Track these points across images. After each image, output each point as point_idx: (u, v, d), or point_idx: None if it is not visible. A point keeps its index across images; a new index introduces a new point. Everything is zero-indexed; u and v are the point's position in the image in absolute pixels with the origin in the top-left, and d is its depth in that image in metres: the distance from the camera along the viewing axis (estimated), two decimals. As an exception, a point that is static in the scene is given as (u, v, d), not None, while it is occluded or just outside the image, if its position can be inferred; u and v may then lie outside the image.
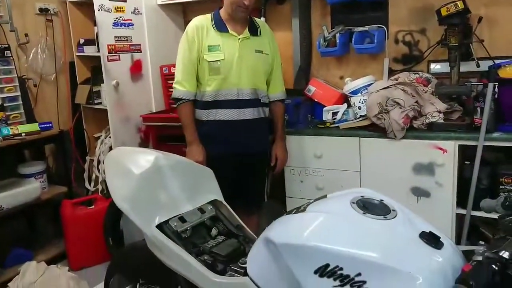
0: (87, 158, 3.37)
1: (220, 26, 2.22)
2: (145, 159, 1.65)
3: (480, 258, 0.96)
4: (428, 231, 1.07)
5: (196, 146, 2.26)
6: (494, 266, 0.81)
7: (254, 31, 2.28)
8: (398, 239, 1.06)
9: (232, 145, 2.25)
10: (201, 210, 1.65)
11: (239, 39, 2.22)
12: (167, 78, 3.12)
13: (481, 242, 2.34)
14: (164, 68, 3.12)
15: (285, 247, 1.13)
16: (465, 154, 2.29)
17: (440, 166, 2.27)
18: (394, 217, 1.11)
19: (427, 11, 2.59)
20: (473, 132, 2.19)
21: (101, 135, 3.31)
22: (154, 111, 3.15)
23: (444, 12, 2.25)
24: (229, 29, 2.22)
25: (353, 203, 1.15)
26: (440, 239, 1.05)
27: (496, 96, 2.14)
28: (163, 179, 1.61)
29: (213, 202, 1.70)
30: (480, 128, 2.15)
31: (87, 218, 2.90)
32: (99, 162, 3.26)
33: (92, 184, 3.32)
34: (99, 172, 3.27)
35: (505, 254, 0.83)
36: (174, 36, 3.27)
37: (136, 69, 3.02)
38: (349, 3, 2.70)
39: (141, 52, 3.05)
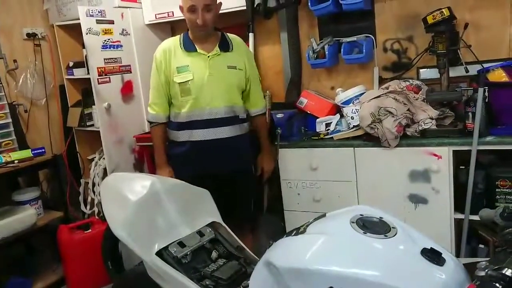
0: (82, 181, 3.35)
1: (188, 46, 2.24)
2: (141, 184, 1.64)
3: (483, 273, 0.96)
4: (429, 248, 1.06)
5: (164, 169, 2.30)
6: (498, 284, 0.81)
7: (226, 47, 2.28)
8: (400, 257, 1.06)
9: (209, 165, 2.24)
10: (200, 233, 1.64)
11: (208, 57, 2.22)
12: (158, 97, 3.10)
13: (481, 246, 2.35)
14: (155, 87, 3.11)
15: (287, 270, 1.12)
16: (459, 158, 2.30)
17: (435, 172, 2.27)
18: (394, 235, 1.11)
19: (413, 19, 2.62)
20: (466, 137, 2.21)
21: (95, 157, 3.29)
22: (147, 130, 3.13)
23: (430, 20, 2.27)
24: (197, 48, 2.22)
25: (353, 222, 1.15)
26: (442, 255, 1.05)
27: (486, 100, 2.16)
28: (160, 204, 1.60)
29: (212, 224, 1.70)
30: (472, 133, 2.16)
31: (84, 242, 2.87)
32: (94, 184, 3.24)
33: (88, 206, 3.29)
34: (94, 194, 3.25)
35: (508, 272, 0.83)
36: (164, 55, 3.29)
37: (127, 90, 3.02)
38: (336, 14, 2.72)
39: (131, 72, 3.04)
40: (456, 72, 2.45)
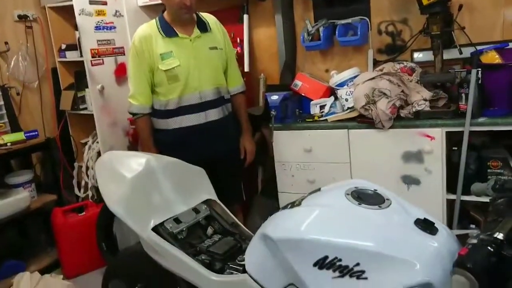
0: (75, 164, 3.33)
1: (168, 31, 2.16)
2: (137, 162, 1.64)
3: (475, 241, 0.98)
4: (422, 218, 1.08)
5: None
6: (489, 247, 0.83)
7: (204, 28, 2.23)
8: (394, 227, 1.07)
9: (201, 149, 2.21)
10: (195, 210, 1.65)
11: (190, 40, 2.17)
12: (152, 79, 3.09)
13: (472, 226, 2.38)
14: (149, 70, 3.09)
15: (283, 242, 1.14)
16: (452, 140, 2.32)
17: (428, 153, 2.30)
18: (388, 206, 1.13)
19: (407, 1, 2.61)
20: (459, 118, 2.22)
21: (88, 141, 3.27)
22: (141, 113, 3.12)
23: (425, 1, 2.26)
24: (178, 33, 2.16)
25: (348, 194, 1.17)
26: (435, 225, 1.07)
27: (479, 81, 2.17)
28: (156, 181, 1.61)
29: (207, 202, 1.71)
30: (465, 114, 2.18)
31: (79, 225, 2.87)
32: (87, 168, 3.23)
33: (82, 190, 3.29)
34: (88, 178, 3.24)
35: (499, 236, 0.85)
36: (157, 37, 3.27)
37: (121, 72, 3.00)
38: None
39: (124, 54, 3.02)
40: (450, 54, 2.46)
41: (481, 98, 2.20)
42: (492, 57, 2.28)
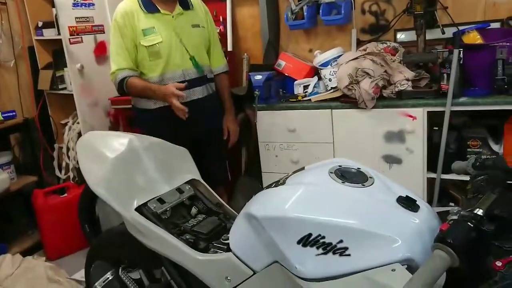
0: (56, 145, 3.28)
1: (149, 7, 2.11)
2: (119, 142, 1.62)
3: (455, 217, 1.00)
4: (404, 196, 1.10)
5: (164, 87, 2.05)
6: (469, 223, 0.84)
7: (186, 5, 2.20)
8: (377, 205, 1.08)
9: (185, 128, 2.15)
10: (179, 190, 1.63)
11: (172, 16, 2.13)
12: (133, 58, 3.03)
13: (451, 204, 2.44)
14: (130, 49, 3.03)
15: (267, 220, 1.14)
16: (433, 120, 2.35)
17: (410, 133, 2.32)
18: (371, 184, 1.14)
19: (392, -20, 2.61)
20: (440, 98, 2.25)
21: (69, 121, 3.21)
22: (122, 93, 3.07)
23: (408, -20, 2.26)
24: (160, 9, 2.11)
25: (331, 172, 1.17)
26: (416, 202, 1.09)
27: (461, 62, 2.19)
28: (138, 161, 1.59)
29: (191, 182, 1.70)
30: (447, 94, 2.20)
31: (60, 207, 2.85)
32: (68, 149, 3.18)
33: (63, 172, 3.25)
34: (69, 159, 3.20)
35: (479, 212, 0.87)
36: (138, 15, 3.19)
37: (100, 51, 2.93)
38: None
39: (104, 33, 2.95)
40: (432, 34, 2.47)
41: (462, 78, 2.23)
42: (474, 38, 2.30)
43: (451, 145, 2.32)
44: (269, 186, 1.28)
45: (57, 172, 3.26)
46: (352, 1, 2.70)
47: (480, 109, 2.20)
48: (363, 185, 1.13)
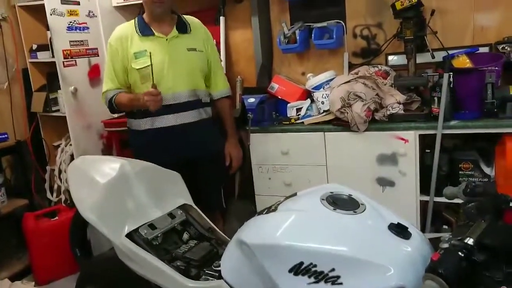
0: (47, 168, 3.25)
1: (144, 30, 2.14)
2: (110, 167, 1.61)
3: (446, 245, 1.00)
4: (396, 223, 1.10)
5: (141, 94, 2.06)
6: (460, 253, 0.84)
7: (184, 29, 2.19)
8: (368, 232, 1.08)
9: (175, 151, 2.15)
10: (171, 215, 1.63)
11: (166, 39, 2.13)
12: (127, 81, 3.05)
13: (445, 227, 2.44)
14: (123, 72, 3.04)
15: (258, 247, 1.13)
16: (425, 142, 2.36)
17: (402, 155, 2.33)
18: (363, 211, 1.14)
19: (382, 5, 2.66)
20: (432, 121, 2.27)
21: (61, 143, 3.20)
22: (116, 116, 3.07)
23: (398, 6, 2.31)
24: (154, 32, 2.13)
25: (323, 199, 1.17)
26: (408, 229, 1.09)
27: (451, 85, 2.22)
28: (130, 186, 1.58)
29: (183, 207, 1.69)
30: (438, 117, 2.22)
31: (51, 230, 2.81)
32: (60, 171, 3.16)
33: (55, 194, 3.21)
34: (61, 181, 3.17)
35: (470, 241, 0.87)
36: (132, 38, 3.22)
37: (94, 73, 2.94)
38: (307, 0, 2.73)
39: (98, 56, 2.96)
40: (423, 58, 2.51)
41: (453, 101, 2.25)
42: (463, 62, 2.34)
43: (443, 167, 2.33)
44: (261, 212, 1.28)
45: (48, 195, 3.22)
46: (344, 26, 2.75)
47: (470, 132, 2.23)
48: (355, 212, 1.13)
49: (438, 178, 2.30)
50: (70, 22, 2.75)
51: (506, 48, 2.36)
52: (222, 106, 2.38)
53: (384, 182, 2.41)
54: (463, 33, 2.55)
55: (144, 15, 2.19)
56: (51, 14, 2.64)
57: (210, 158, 2.31)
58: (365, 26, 2.77)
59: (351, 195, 1.21)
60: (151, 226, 1.54)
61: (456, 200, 2.17)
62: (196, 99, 2.22)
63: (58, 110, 3.10)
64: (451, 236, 1.01)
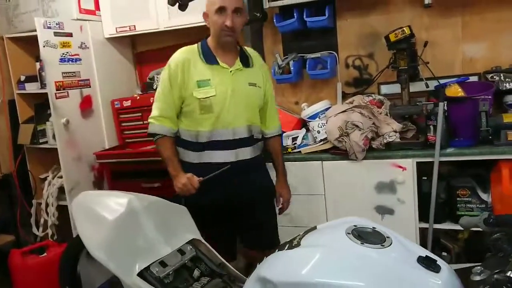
0: (34, 201, 3.14)
1: (209, 57, 1.98)
2: (117, 202, 1.57)
3: (478, 277, 1.00)
4: (424, 255, 1.09)
5: (183, 175, 1.92)
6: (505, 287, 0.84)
7: (246, 62, 2.06)
8: (399, 266, 1.07)
9: (231, 190, 1.98)
10: (180, 251, 1.58)
11: (231, 71, 1.99)
12: (119, 112, 3.02)
13: (444, 253, 2.45)
14: (115, 103, 3.01)
15: (285, 285, 1.10)
16: (421, 169, 2.39)
17: (400, 183, 2.36)
18: (390, 245, 1.13)
19: (373, 37, 2.74)
20: (428, 149, 2.31)
21: (48, 176, 3.12)
22: (107, 147, 3.02)
23: (392, 38, 2.38)
24: (219, 61, 1.98)
25: (349, 233, 1.16)
26: (437, 262, 1.08)
27: (446, 114, 2.28)
28: (138, 222, 1.54)
29: (192, 242, 1.65)
30: (434, 145, 2.27)
31: (39, 267, 2.69)
32: (47, 205, 3.07)
33: (41, 229, 3.10)
34: (48, 215, 3.07)
35: (512, 274, 0.87)
36: (124, 69, 3.23)
37: (86, 105, 2.90)
38: (299, 31, 2.78)
39: (90, 87, 2.93)
40: (415, 87, 2.58)
41: (448, 129, 2.31)
42: (455, 90, 2.41)
43: (441, 194, 2.36)
44: (281, 247, 1.25)
45: (34, 230, 3.11)
46: (336, 56, 2.81)
47: (467, 159, 2.27)
48: (382, 245, 1.12)
49: (437, 205, 2.33)
50: (63, 53, 2.72)
51: (494, 77, 2.45)
52: (274, 145, 2.23)
53: (383, 210, 2.42)
54: (452, 64, 2.64)
55: (209, 40, 2.03)
56: (44, 46, 2.60)
57: (265, 197, 2.17)
58: (357, 57, 2.83)
59: (375, 228, 1.20)
60: (162, 263, 1.50)
61: (454, 227, 2.21)
62: (251, 135, 2.07)
63: (46, 142, 3.04)
64: (482, 268, 1.02)
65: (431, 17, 2.63)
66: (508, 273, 0.87)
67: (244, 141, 2.03)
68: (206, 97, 1.93)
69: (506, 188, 2.17)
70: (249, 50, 2.16)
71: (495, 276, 0.88)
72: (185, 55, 1.99)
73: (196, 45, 2.04)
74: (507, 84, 2.40)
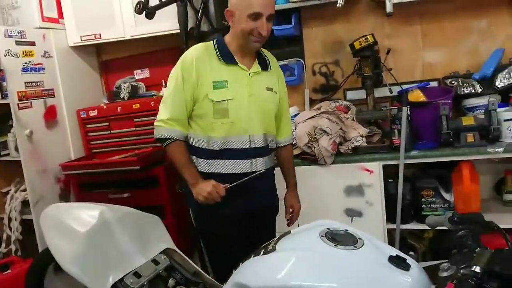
0: (-5, 217, 3.03)
1: (227, 57, 1.80)
2: (89, 214, 1.54)
3: (445, 274, 1.05)
4: (395, 255, 1.14)
5: (205, 183, 1.75)
6: (471, 281, 0.89)
7: (264, 65, 1.90)
8: (372, 266, 1.11)
9: (244, 202, 1.84)
10: (154, 261, 1.57)
11: (249, 74, 1.83)
12: (85, 122, 2.95)
13: (411, 253, 2.53)
14: (81, 112, 2.94)
15: (263, 290, 1.12)
16: (387, 172, 2.47)
17: (368, 186, 2.43)
18: (362, 245, 1.17)
19: (338, 44, 2.82)
20: (393, 152, 2.39)
21: (10, 190, 3.01)
22: (73, 158, 2.95)
23: (357, 45, 2.46)
24: (238, 62, 1.82)
25: (322, 236, 1.19)
26: (407, 261, 1.13)
27: (409, 118, 2.37)
28: (111, 233, 1.52)
29: (166, 251, 1.64)
30: (399, 148, 2.35)
31: (3, 285, 2.58)
32: (10, 219, 2.96)
33: (3, 245, 2.99)
34: (11, 230, 2.97)
35: (477, 269, 0.92)
36: (89, 78, 3.17)
37: (51, 115, 2.82)
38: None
39: (54, 97, 2.85)
40: (379, 93, 2.67)
41: (411, 133, 2.39)
42: (417, 95, 2.51)
43: (407, 196, 2.44)
44: (257, 253, 1.27)
45: (-4, 246, 2.99)
46: (303, 64, 2.87)
47: (430, 161, 2.37)
48: (355, 247, 1.16)
49: (403, 206, 2.41)
50: (25, 63, 2.64)
51: (453, 82, 2.57)
52: (287, 154, 2.10)
53: (352, 213, 2.48)
54: (413, 70, 2.76)
55: (227, 39, 1.85)
56: (5, 55, 2.52)
57: (271, 206, 2.07)
58: (323, 64, 2.90)
59: (347, 230, 1.24)
60: (136, 274, 1.48)
61: (420, 226, 2.29)
62: (266, 145, 1.92)
63: (7, 154, 2.94)
64: (449, 265, 1.07)
65: (393, 26, 2.73)
66: (473, 268, 0.92)
67: (259, 151, 1.88)
68: (223, 100, 1.77)
69: (467, 188, 2.28)
70: (266, 51, 1.99)
71: (461, 271, 0.93)
72: (201, 52, 1.81)
73: (211, 42, 1.87)
74: (465, 89, 2.53)
